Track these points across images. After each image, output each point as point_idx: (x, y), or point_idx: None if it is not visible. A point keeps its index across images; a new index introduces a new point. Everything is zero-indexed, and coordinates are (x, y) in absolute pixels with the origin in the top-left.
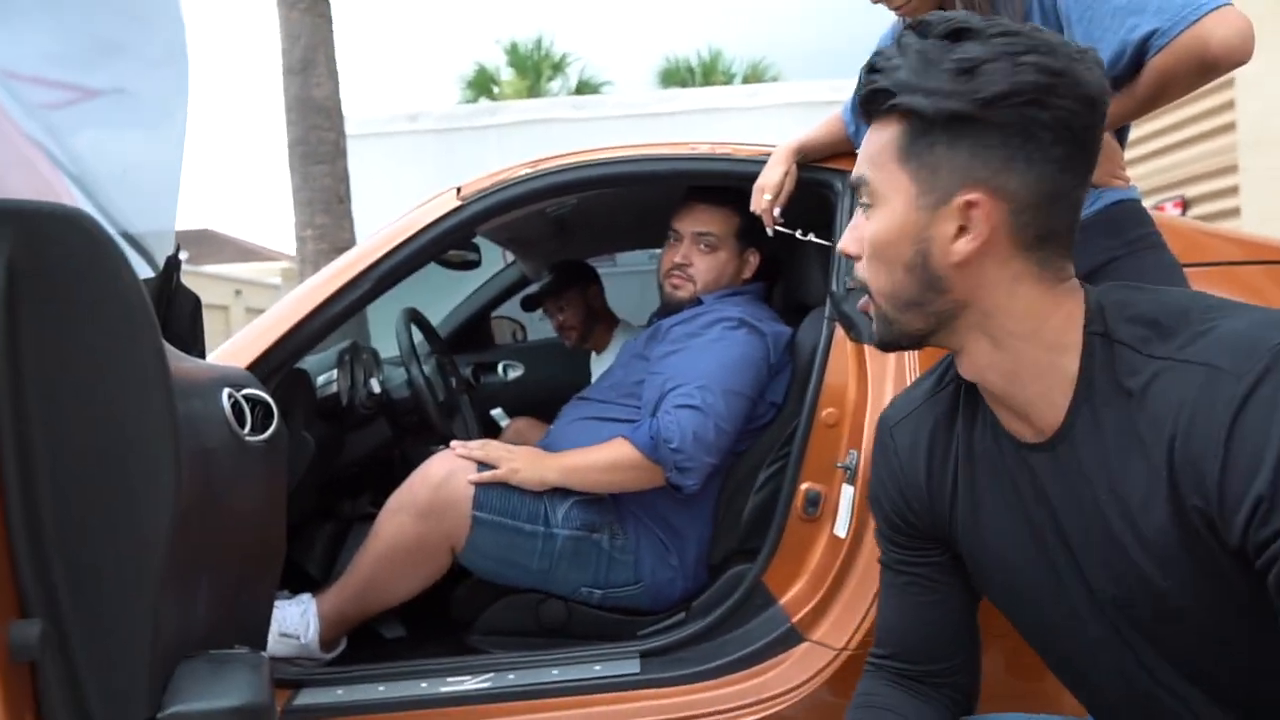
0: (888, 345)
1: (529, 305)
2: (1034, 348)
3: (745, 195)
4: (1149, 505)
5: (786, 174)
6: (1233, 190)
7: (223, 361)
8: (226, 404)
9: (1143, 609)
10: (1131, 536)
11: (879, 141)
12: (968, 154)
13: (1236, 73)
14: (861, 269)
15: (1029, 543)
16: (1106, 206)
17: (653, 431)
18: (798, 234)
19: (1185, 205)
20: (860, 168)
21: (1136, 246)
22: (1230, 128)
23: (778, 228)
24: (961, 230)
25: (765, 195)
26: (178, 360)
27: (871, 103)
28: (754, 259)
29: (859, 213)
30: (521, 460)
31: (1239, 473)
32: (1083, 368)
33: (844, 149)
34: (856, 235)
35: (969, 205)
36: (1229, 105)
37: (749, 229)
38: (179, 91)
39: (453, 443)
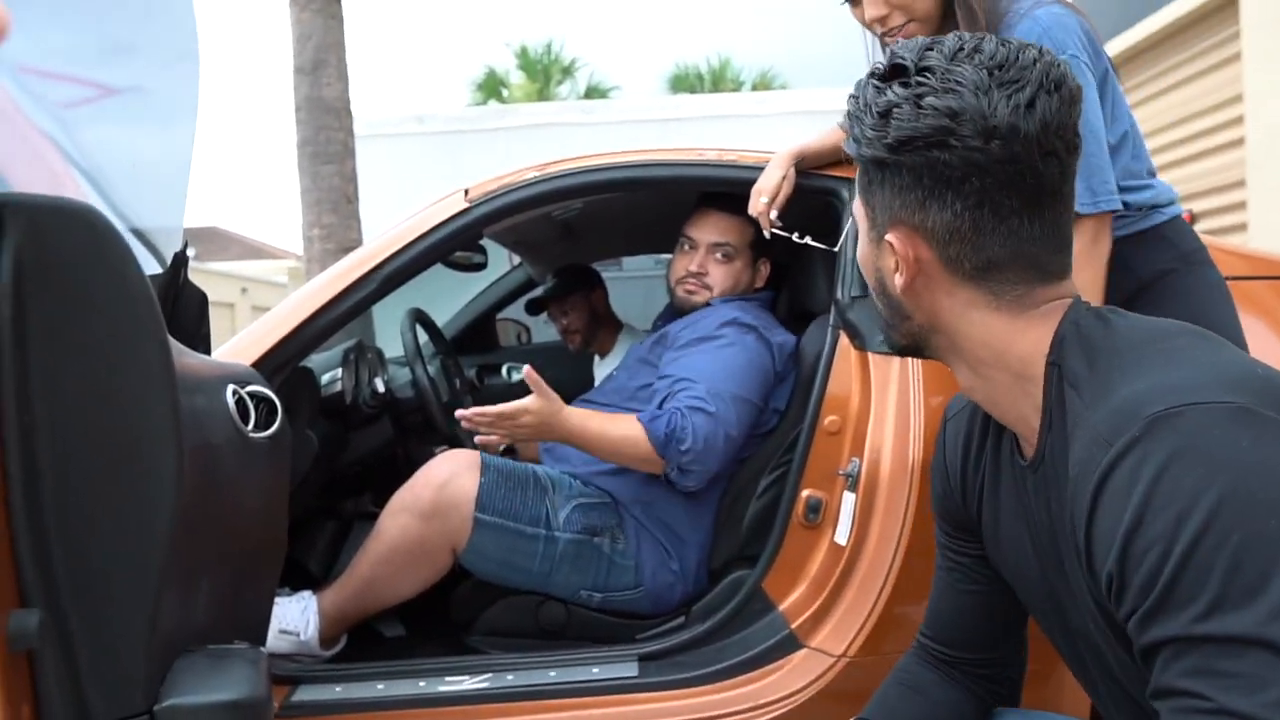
0: (894, 351)
1: (534, 309)
2: (1003, 374)
3: None
4: (1076, 577)
5: (784, 178)
6: (1240, 205)
7: (228, 358)
8: (231, 400)
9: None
10: (1068, 580)
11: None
12: (890, 194)
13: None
14: None
15: (1030, 554)
16: (1164, 223)
17: (669, 427)
18: (794, 237)
19: (1193, 219)
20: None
21: (1192, 261)
22: (1239, 143)
23: (774, 231)
24: (896, 265)
25: (762, 199)
26: (183, 356)
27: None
28: (765, 269)
29: None
30: (542, 418)
31: (1098, 547)
32: (1044, 401)
33: (848, 156)
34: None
35: (890, 244)
36: (1238, 120)
37: (763, 239)
38: (190, 89)
39: (458, 412)
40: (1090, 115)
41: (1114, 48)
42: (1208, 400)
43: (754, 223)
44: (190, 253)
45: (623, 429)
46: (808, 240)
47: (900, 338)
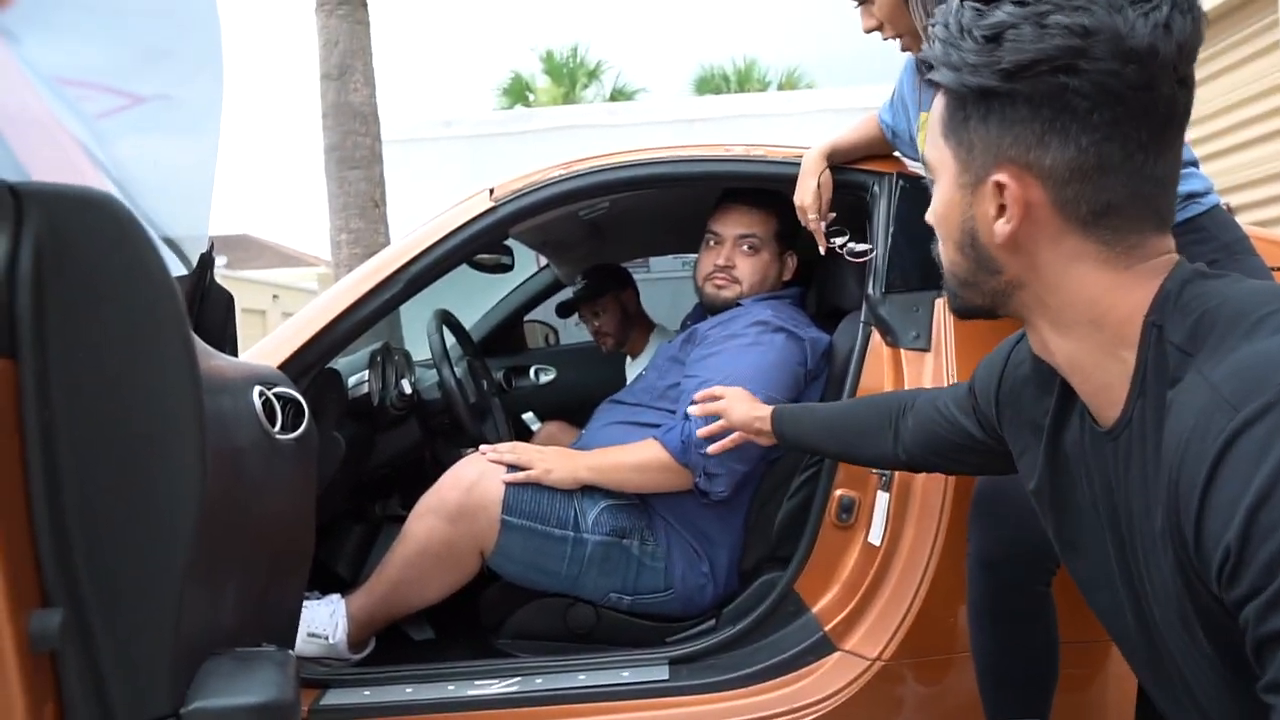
0: (960, 314)
1: (564, 311)
2: (1096, 335)
3: (782, 197)
4: (1160, 541)
5: (819, 185)
6: (1278, 199)
7: (255, 361)
8: (257, 402)
9: (1161, 614)
10: (1152, 557)
11: (934, 115)
12: (997, 130)
13: None
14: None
15: (1095, 524)
16: (1202, 213)
17: (684, 435)
18: (845, 253)
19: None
20: (925, 145)
21: (1235, 250)
22: (1278, 135)
23: (832, 246)
24: (1001, 211)
25: (810, 215)
26: (209, 357)
27: (922, 73)
28: (793, 261)
29: None
30: (553, 460)
31: (1214, 518)
32: (1138, 363)
33: (879, 151)
34: (931, 208)
35: (999, 186)
36: (1277, 111)
37: (787, 231)
38: (214, 96)
39: (482, 446)
40: None
41: None
42: None
43: (778, 215)
44: (221, 260)
45: (640, 451)
46: (850, 245)
47: (979, 298)
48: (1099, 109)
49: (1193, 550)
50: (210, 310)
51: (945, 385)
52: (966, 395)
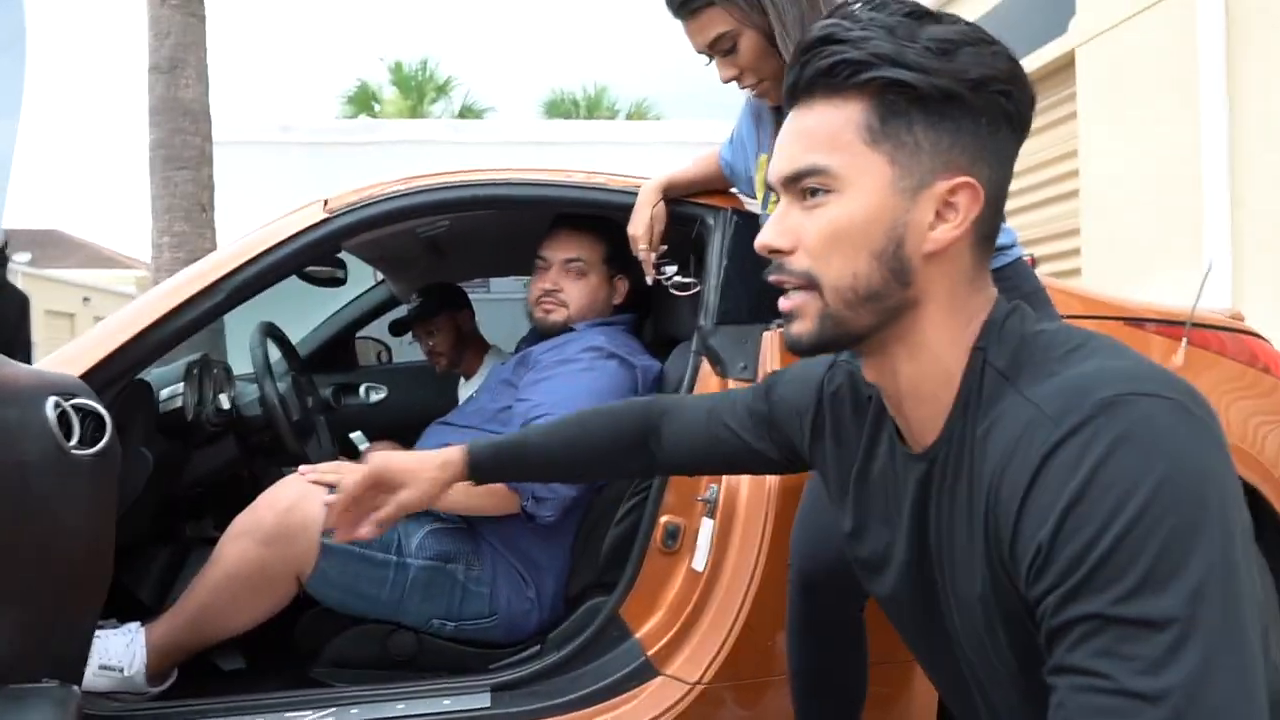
0: (817, 347)
1: (398, 330)
2: (944, 359)
3: (611, 222)
4: (973, 551)
5: (653, 216)
6: (1075, 252)
7: (55, 368)
8: (52, 414)
9: (972, 632)
10: (960, 569)
11: (835, 122)
12: (949, 137)
13: (1080, 147)
14: (801, 261)
15: (893, 543)
16: (1008, 264)
17: None
18: (670, 285)
19: (1035, 262)
20: (808, 155)
21: (1034, 301)
22: (1074, 194)
23: (658, 278)
24: (939, 217)
25: (640, 246)
26: None
27: (833, 75)
28: (623, 285)
29: (786, 205)
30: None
31: (1030, 520)
32: (963, 386)
33: (717, 186)
34: (786, 228)
35: (954, 190)
36: (1074, 174)
37: (616, 255)
38: (14, 82)
39: (301, 467)
40: None
41: None
42: (1153, 392)
43: (606, 239)
44: (24, 257)
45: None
46: (676, 277)
47: (868, 317)
48: (1016, 136)
49: (1008, 551)
50: (1, 313)
51: None
52: (761, 422)
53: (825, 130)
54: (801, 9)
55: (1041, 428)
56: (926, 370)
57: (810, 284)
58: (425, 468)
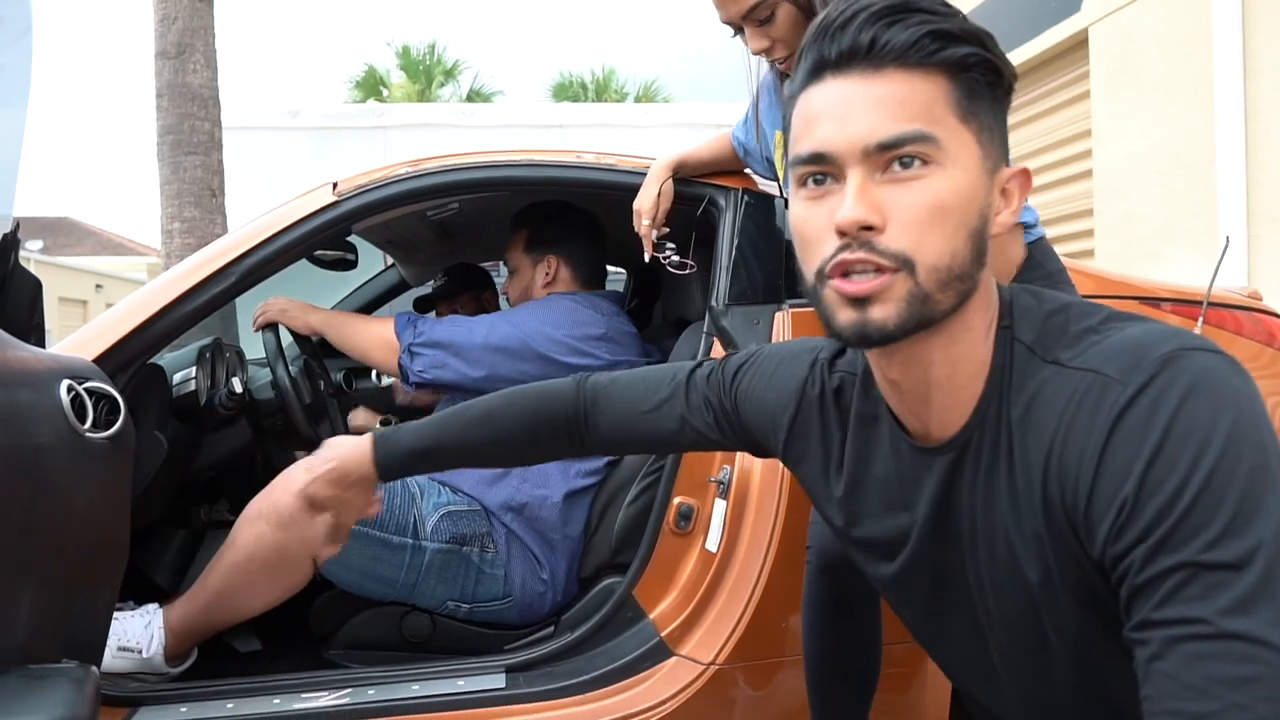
0: (901, 332)
1: (422, 308)
2: (976, 345)
3: (528, 213)
4: (1020, 540)
5: (660, 193)
6: (1088, 233)
7: (68, 353)
8: (65, 397)
9: (1013, 607)
10: (1006, 551)
11: (926, 93)
12: (1004, 126)
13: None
14: (895, 239)
15: (911, 536)
16: (1031, 243)
17: (414, 318)
18: (666, 263)
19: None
20: (906, 123)
21: (1056, 280)
22: (1087, 175)
23: (656, 255)
24: (1003, 200)
25: (644, 220)
26: (8, 348)
27: (916, 47)
28: (552, 261)
29: (863, 179)
30: (292, 305)
31: (1110, 478)
32: (994, 366)
33: (729, 167)
34: (873, 202)
35: (1012, 177)
36: (1087, 154)
37: (534, 239)
38: (22, 70)
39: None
40: None
41: None
42: (1202, 346)
43: (525, 226)
44: (36, 244)
45: (375, 320)
46: (673, 257)
47: (951, 298)
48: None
49: (1081, 516)
50: (13, 297)
51: None
52: (723, 415)
53: (918, 100)
54: None
55: (1109, 390)
56: (964, 355)
57: (902, 263)
58: (346, 493)
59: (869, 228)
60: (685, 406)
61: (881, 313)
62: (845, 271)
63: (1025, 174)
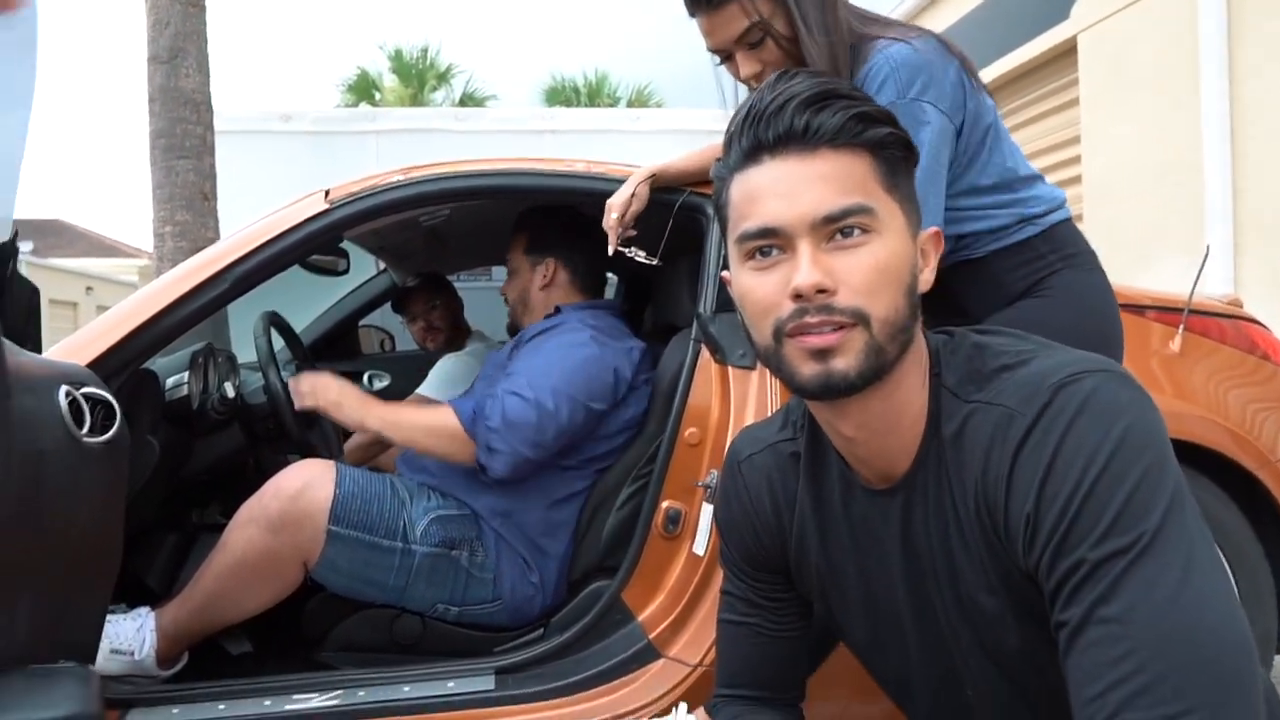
0: (862, 381)
1: (399, 306)
2: (913, 391)
3: (531, 214)
4: (972, 563)
5: (633, 195)
6: None
7: (63, 358)
8: (64, 402)
9: (983, 634)
10: (963, 580)
11: (857, 170)
12: (915, 193)
13: (1083, 132)
14: (848, 298)
15: (877, 579)
16: (1060, 223)
17: (476, 406)
18: (629, 253)
19: None
20: (848, 197)
21: (1083, 263)
22: (1077, 180)
23: (621, 249)
24: (923, 260)
25: (612, 214)
26: (9, 354)
27: (842, 130)
28: (551, 264)
29: (811, 249)
30: (349, 399)
31: (1017, 499)
32: (930, 410)
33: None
34: (825, 269)
35: (929, 238)
36: (1076, 159)
37: (535, 242)
38: (26, 73)
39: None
40: (924, 155)
41: None
42: (1098, 368)
43: (525, 230)
44: (26, 246)
45: (434, 414)
46: (639, 255)
47: (896, 348)
48: None
49: (1002, 532)
50: (11, 303)
51: (769, 402)
52: (765, 587)
53: (852, 176)
54: (823, 3)
55: (1014, 421)
56: (905, 400)
57: (858, 319)
58: None
59: (823, 290)
60: (753, 609)
61: (844, 363)
62: (805, 331)
63: (938, 235)
